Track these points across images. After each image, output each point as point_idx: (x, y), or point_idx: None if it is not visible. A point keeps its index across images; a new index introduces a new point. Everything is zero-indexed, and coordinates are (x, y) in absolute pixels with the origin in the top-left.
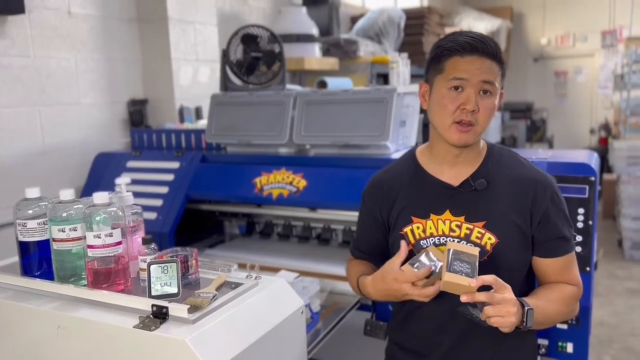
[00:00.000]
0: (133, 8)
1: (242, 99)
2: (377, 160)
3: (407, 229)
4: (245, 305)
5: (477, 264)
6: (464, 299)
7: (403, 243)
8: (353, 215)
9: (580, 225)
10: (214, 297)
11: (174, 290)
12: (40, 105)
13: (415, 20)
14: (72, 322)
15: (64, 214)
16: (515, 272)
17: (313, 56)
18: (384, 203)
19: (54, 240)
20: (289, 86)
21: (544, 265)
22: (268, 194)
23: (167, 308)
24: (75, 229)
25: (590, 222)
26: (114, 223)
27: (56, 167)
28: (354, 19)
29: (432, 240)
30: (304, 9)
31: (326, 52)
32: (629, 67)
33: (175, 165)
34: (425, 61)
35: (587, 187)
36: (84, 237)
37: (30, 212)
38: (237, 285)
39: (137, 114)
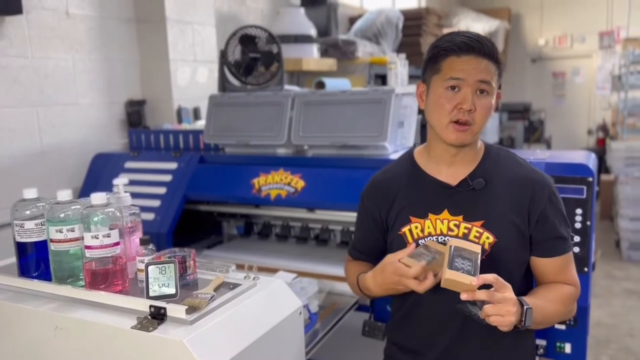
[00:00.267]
0: (131, 8)
1: (240, 99)
2: (375, 160)
3: (405, 229)
4: (243, 306)
5: (479, 261)
6: (464, 297)
7: (412, 243)
8: (351, 216)
9: (578, 225)
10: (212, 297)
11: (172, 291)
12: (38, 105)
13: (413, 21)
14: (69, 323)
15: (62, 215)
16: (513, 272)
17: (311, 57)
18: (383, 203)
19: (51, 241)
20: (287, 87)
21: (542, 265)
22: (266, 194)
23: (165, 309)
24: (72, 230)
25: (588, 223)
26: (111, 224)
27: (54, 168)
28: (352, 20)
29: (430, 239)
30: (302, 10)
31: (324, 52)
32: (626, 68)
33: (173, 165)
34: (423, 62)
35: (584, 187)
36: (82, 238)
37: (27, 212)
38: (235, 286)
39: (135, 115)
